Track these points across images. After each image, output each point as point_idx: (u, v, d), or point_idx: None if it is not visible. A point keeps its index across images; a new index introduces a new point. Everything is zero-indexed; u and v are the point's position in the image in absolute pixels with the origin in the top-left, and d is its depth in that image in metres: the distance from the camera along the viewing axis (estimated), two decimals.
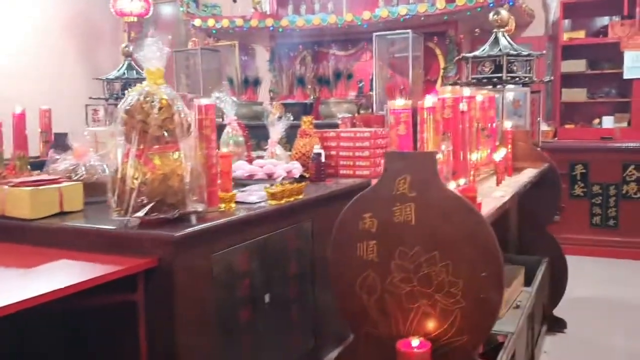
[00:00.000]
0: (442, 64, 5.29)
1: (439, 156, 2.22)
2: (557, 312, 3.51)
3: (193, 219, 2.06)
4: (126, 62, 5.13)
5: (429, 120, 2.14)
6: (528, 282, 2.93)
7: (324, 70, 4.62)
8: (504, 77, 3.63)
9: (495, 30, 3.83)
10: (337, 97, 4.56)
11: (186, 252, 1.95)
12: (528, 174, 2.94)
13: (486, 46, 3.80)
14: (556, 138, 5.53)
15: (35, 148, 4.35)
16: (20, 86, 5.65)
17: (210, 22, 5.34)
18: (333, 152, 3.33)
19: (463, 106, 2.59)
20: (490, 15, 3.81)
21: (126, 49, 5.07)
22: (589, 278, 4.47)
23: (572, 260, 4.18)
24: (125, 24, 6.30)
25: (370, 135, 3.28)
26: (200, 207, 2.09)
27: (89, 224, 2.15)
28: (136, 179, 1.97)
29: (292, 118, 3.39)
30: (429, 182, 1.60)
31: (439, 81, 5.29)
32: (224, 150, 3.51)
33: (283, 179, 2.97)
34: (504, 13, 3.77)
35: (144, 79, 2.12)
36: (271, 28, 5.16)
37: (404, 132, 1.89)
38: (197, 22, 5.37)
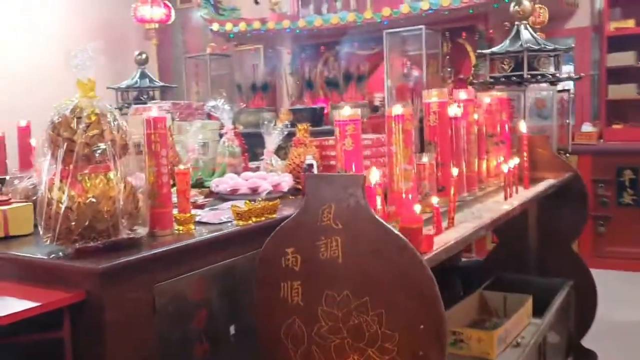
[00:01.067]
0: (473, 62, 4.92)
1: (413, 170, 1.94)
2: (587, 342, 3.06)
3: (135, 245, 1.87)
4: (139, 71, 5.00)
5: (397, 131, 1.85)
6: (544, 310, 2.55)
7: (335, 73, 4.33)
8: (525, 75, 3.23)
9: (517, 22, 3.42)
10: (347, 100, 4.26)
11: (119, 284, 1.76)
12: (542, 187, 2.55)
13: (506, 41, 3.40)
14: (602, 140, 4.99)
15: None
16: (44, 95, 5.64)
17: (228, 26, 5.17)
18: (333, 162, 3.05)
19: (455, 111, 2.29)
20: (511, 6, 3.41)
21: (139, 57, 4.95)
22: (636, 298, 3.97)
23: (618, 277, 3.72)
24: (152, 31, 6.20)
25: (372, 142, 2.97)
26: (142, 232, 1.90)
27: (29, 251, 1.99)
28: (62, 202, 1.79)
29: (289, 125, 3.18)
30: (357, 211, 1.30)
31: (471, 79, 4.92)
32: (222, 161, 3.34)
33: (269, 193, 2.74)
34: (526, 3, 3.35)
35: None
36: (288, 30, 4.93)
37: (350, 148, 1.60)
38: (215, 26, 5.22)
